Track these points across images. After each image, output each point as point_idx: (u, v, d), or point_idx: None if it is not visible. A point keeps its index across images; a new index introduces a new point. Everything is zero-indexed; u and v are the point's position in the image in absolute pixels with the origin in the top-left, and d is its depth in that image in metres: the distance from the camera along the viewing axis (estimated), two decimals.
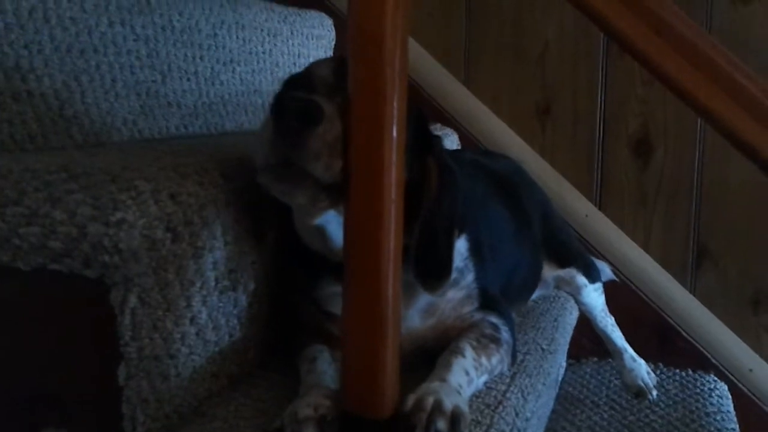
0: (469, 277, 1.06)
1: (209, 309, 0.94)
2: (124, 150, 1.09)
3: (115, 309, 0.82)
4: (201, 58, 1.49)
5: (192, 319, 0.91)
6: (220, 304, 0.96)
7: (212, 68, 1.53)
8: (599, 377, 1.89)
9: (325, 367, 0.94)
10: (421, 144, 0.96)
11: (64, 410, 0.88)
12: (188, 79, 1.46)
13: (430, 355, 1.02)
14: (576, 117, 1.99)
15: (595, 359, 1.97)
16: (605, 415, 1.68)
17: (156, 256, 0.83)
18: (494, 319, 1.05)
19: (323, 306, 1.04)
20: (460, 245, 1.06)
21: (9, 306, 0.87)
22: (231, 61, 1.60)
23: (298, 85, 0.93)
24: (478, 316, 1.05)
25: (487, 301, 1.07)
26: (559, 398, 1.71)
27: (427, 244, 0.94)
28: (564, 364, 1.72)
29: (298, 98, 0.81)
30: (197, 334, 0.93)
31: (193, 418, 0.92)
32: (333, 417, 0.82)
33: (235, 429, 0.89)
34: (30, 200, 0.81)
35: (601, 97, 1.96)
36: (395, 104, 0.78)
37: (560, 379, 1.67)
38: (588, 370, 1.93)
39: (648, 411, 1.70)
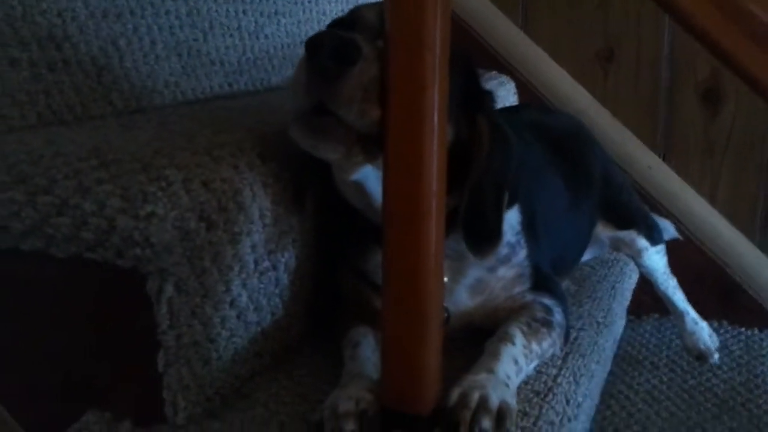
0: (521, 254, 1.01)
1: (249, 291, 0.91)
2: (162, 120, 1.06)
3: (152, 298, 0.81)
4: (244, 12, 1.44)
5: (232, 303, 0.89)
6: (261, 285, 0.93)
7: (256, 21, 1.48)
8: (659, 335, 1.83)
9: (368, 354, 0.91)
10: (470, 100, 0.90)
11: (106, 395, 0.88)
12: (231, 35, 1.41)
13: (476, 331, 0.99)
14: (640, 62, 1.87)
15: (656, 316, 1.90)
16: (665, 378, 1.63)
17: (190, 246, 0.80)
18: (547, 301, 0.99)
19: (371, 278, 1.00)
20: (512, 218, 1.00)
21: (48, 290, 0.86)
22: (276, 12, 1.54)
23: (340, 26, 0.87)
24: (529, 297, 1.00)
25: (540, 281, 1.02)
26: (616, 358, 1.65)
27: (476, 207, 0.89)
28: (623, 320, 1.66)
29: (334, 35, 0.76)
30: (238, 316, 0.91)
31: (234, 402, 0.90)
32: (374, 412, 0.79)
33: (275, 416, 0.87)
34: (60, 189, 0.78)
35: (668, 41, 1.84)
36: (437, 46, 0.72)
37: (618, 337, 1.61)
38: (648, 327, 1.87)
39: (710, 374, 1.63)
